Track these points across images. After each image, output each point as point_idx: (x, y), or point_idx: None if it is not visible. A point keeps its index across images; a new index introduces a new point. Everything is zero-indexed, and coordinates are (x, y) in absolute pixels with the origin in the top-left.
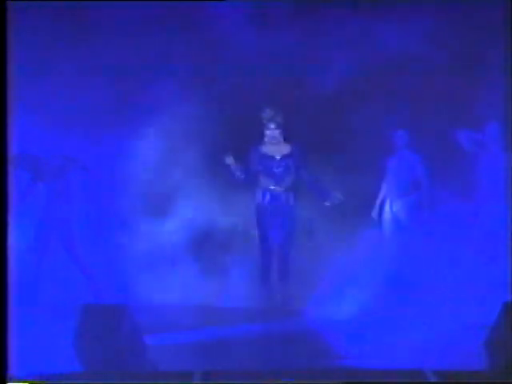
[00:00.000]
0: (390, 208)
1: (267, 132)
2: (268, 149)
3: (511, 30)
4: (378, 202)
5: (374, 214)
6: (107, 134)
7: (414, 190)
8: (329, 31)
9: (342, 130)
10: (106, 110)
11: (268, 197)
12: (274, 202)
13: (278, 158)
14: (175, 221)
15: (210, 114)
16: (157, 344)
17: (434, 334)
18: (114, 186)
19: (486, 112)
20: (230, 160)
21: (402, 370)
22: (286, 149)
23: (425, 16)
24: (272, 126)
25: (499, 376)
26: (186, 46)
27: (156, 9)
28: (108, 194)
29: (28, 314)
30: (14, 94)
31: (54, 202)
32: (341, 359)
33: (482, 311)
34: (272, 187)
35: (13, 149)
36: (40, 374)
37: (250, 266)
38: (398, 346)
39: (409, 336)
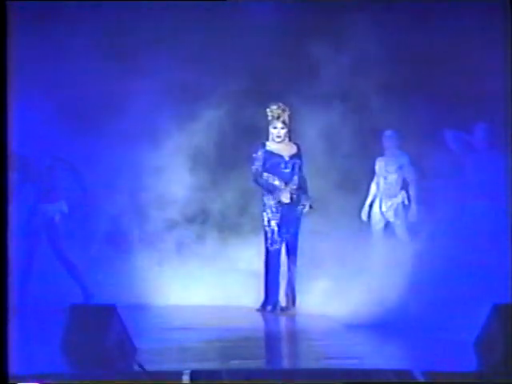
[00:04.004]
0: (380, 208)
1: (273, 130)
2: (274, 147)
3: (506, 32)
4: (367, 202)
5: (364, 214)
6: (96, 135)
7: (403, 190)
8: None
9: (336, 130)
10: (96, 111)
11: (276, 196)
12: (283, 202)
13: (286, 157)
14: (169, 219)
15: (215, 111)
16: (146, 344)
17: (424, 335)
18: (103, 186)
19: (475, 113)
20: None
21: (390, 370)
22: (293, 148)
23: (416, 16)
24: (279, 124)
25: (488, 377)
26: (193, 45)
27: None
28: (97, 196)
29: (17, 314)
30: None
31: (41, 202)
32: (338, 359)
33: (472, 312)
34: (281, 187)
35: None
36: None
37: (254, 265)
38: (387, 346)
39: (398, 336)
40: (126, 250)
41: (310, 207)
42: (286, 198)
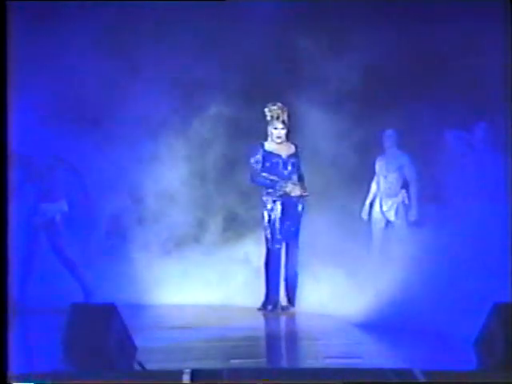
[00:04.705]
0: (380, 208)
1: (273, 131)
2: (273, 147)
3: (506, 32)
4: (368, 201)
5: (364, 213)
6: (96, 135)
7: (403, 189)
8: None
9: (336, 130)
10: (96, 110)
11: (276, 195)
12: (283, 201)
13: (284, 157)
14: (169, 219)
15: (215, 110)
16: (147, 343)
17: (424, 334)
18: (103, 186)
19: (475, 113)
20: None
21: (390, 370)
22: (291, 148)
23: (417, 17)
24: (279, 125)
25: (488, 376)
26: (193, 45)
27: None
28: (97, 195)
29: (17, 313)
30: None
31: (42, 202)
32: (339, 359)
33: (472, 311)
34: (280, 186)
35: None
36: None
37: (255, 264)
38: (387, 345)
39: (399, 335)
40: (126, 249)
41: (302, 196)
42: (289, 188)
